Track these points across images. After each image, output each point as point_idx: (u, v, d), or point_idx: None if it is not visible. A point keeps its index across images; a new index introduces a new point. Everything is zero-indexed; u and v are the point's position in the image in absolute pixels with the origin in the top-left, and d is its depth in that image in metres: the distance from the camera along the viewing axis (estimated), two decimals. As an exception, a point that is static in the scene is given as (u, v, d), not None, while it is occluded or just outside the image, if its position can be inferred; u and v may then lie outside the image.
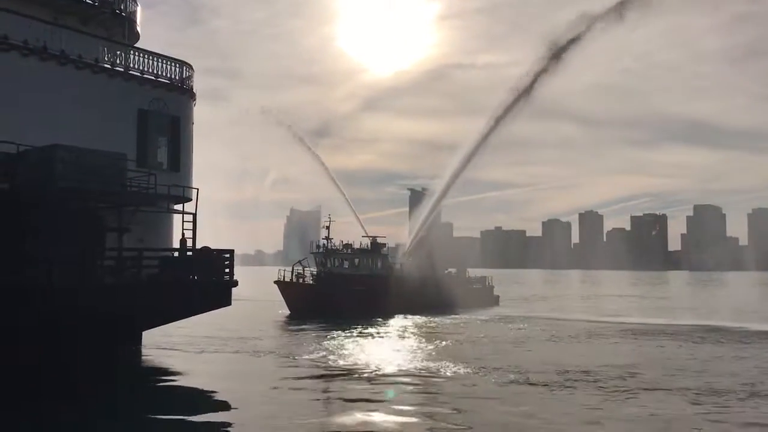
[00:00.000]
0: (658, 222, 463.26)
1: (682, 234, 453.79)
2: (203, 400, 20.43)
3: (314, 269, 57.39)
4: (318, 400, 20.65)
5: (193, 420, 17.96)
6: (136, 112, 26.32)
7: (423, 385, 22.52)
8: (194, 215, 26.18)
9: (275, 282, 56.68)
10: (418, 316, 48.87)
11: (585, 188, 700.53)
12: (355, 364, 26.46)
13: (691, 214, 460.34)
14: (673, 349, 32.82)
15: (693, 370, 26.38)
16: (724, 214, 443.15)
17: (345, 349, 30.62)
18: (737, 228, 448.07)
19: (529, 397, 20.67)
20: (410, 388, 22.08)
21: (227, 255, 26.01)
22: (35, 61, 23.53)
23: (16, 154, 21.40)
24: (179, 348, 29.51)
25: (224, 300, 25.92)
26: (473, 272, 69.90)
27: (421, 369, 25.41)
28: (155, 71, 27.39)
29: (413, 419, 17.76)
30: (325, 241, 58.53)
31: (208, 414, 18.61)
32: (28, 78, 23.31)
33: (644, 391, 21.52)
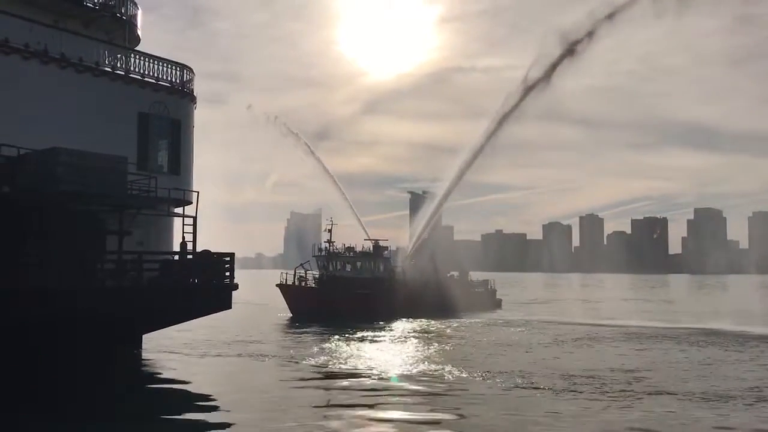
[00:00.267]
0: (659, 225, 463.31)
1: (682, 237, 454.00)
2: (202, 403, 20.37)
3: (317, 272, 57.39)
4: (319, 404, 20.57)
5: (192, 423, 17.94)
6: (136, 115, 26.33)
7: (426, 390, 22.37)
8: (195, 218, 26.18)
9: (277, 285, 56.68)
10: (421, 320, 48.73)
11: (585, 191, 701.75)
12: (358, 368, 26.36)
13: (691, 217, 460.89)
14: (677, 353, 32.65)
15: (698, 374, 26.23)
16: (725, 218, 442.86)
17: (347, 353, 30.52)
18: (738, 231, 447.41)
19: (534, 402, 20.53)
20: (413, 392, 21.98)
21: (227, 258, 25.99)
22: (36, 65, 23.55)
23: (16, 157, 21.39)
24: (180, 351, 29.47)
25: (224, 303, 25.89)
26: (474, 275, 69.81)
27: (424, 373, 25.30)
28: (156, 74, 27.41)
29: (416, 424, 17.71)
30: (327, 245, 58.52)
31: (208, 418, 18.56)
32: (29, 81, 23.33)
33: (649, 395, 21.37)
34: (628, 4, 43.96)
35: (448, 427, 17.62)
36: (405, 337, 38.54)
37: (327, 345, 33.16)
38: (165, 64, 27.89)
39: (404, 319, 48.74)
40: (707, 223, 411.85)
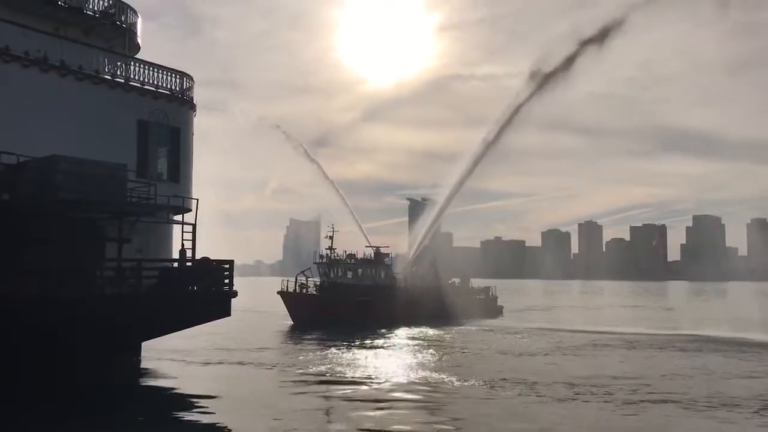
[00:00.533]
0: (658, 232, 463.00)
1: (681, 244, 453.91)
2: (203, 410, 20.34)
3: (318, 279, 57.28)
4: (322, 412, 20.55)
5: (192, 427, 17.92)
6: (136, 122, 26.36)
7: (429, 398, 22.34)
8: (194, 226, 26.18)
9: (278, 292, 56.54)
10: (423, 327, 48.69)
11: (584, 198, 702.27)
12: (360, 375, 26.33)
13: (690, 224, 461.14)
14: (680, 360, 32.65)
15: (702, 381, 26.20)
16: (724, 225, 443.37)
17: (349, 361, 30.48)
18: (736, 238, 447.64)
19: (538, 410, 20.49)
20: (415, 400, 21.92)
21: (227, 265, 25.97)
22: (36, 72, 23.59)
23: (16, 165, 21.40)
24: (181, 359, 29.42)
25: (224, 311, 25.83)
26: (475, 282, 69.77)
27: (426, 380, 25.24)
28: (155, 82, 27.45)
29: None
30: (328, 251, 58.44)
31: (209, 423, 18.54)
32: (29, 89, 23.35)
33: (654, 403, 21.38)
34: None
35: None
36: (407, 345, 38.51)
37: (328, 352, 33.12)
38: (164, 72, 27.93)
39: (406, 326, 48.67)
40: (706, 230, 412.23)
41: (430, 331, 46.49)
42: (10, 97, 22.66)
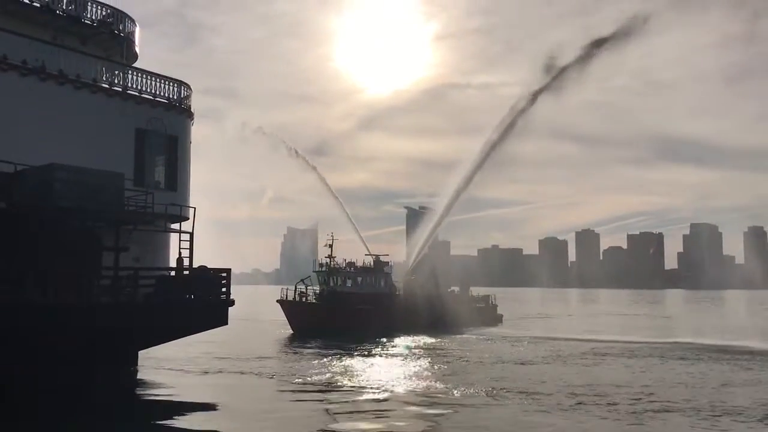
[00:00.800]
0: (655, 240, 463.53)
1: (678, 252, 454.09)
2: (199, 420, 20.24)
3: (317, 288, 57.10)
4: (322, 422, 20.43)
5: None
6: (133, 131, 26.34)
7: (429, 407, 22.13)
8: (191, 234, 26.15)
9: (278, 301, 56.36)
10: (423, 335, 48.52)
11: (581, 207, 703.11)
12: (361, 384, 26.17)
13: (687, 232, 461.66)
14: (681, 369, 32.44)
15: (704, 390, 26.00)
16: (721, 233, 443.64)
17: (349, 370, 30.29)
18: (733, 246, 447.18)
19: (541, 420, 20.34)
20: (416, 410, 21.80)
21: (224, 274, 25.91)
22: (34, 81, 23.59)
23: (14, 173, 21.38)
24: (179, 368, 29.25)
25: (221, 319, 25.76)
26: (474, 291, 69.64)
27: (427, 390, 25.10)
28: (153, 91, 27.46)
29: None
30: (328, 260, 58.26)
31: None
32: (27, 97, 23.35)
33: (657, 412, 21.24)
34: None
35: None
36: (407, 353, 38.35)
37: (328, 361, 32.92)
38: (162, 81, 27.96)
39: (406, 335, 48.50)
40: (703, 238, 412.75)
41: (431, 340, 46.33)
42: (8, 105, 22.65)
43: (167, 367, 29.02)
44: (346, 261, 58.88)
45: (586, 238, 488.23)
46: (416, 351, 39.80)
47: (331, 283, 56.92)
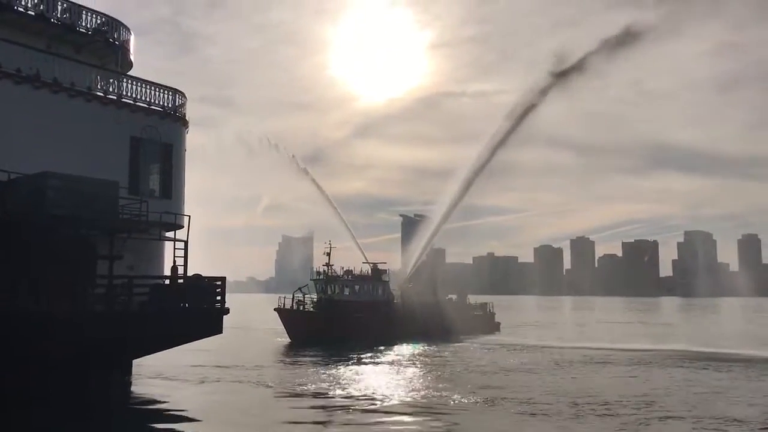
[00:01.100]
0: (650, 248, 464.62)
1: (673, 260, 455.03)
2: (193, 429, 20.12)
3: (315, 296, 56.90)
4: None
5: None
6: (128, 139, 26.26)
7: (428, 416, 22.02)
8: (186, 242, 26.04)
9: (275, 309, 56.13)
10: (421, 343, 48.41)
11: (576, 214, 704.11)
12: (358, 393, 26.06)
13: (681, 240, 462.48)
14: (682, 376, 32.44)
15: (705, 398, 25.94)
16: (715, 240, 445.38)
17: (347, 378, 30.20)
18: (728, 254, 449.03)
19: (540, 428, 20.29)
20: (414, 419, 21.68)
21: (218, 282, 25.81)
22: (28, 89, 23.52)
23: (7, 181, 21.28)
24: (173, 377, 29.09)
25: (216, 328, 25.63)
26: (472, 298, 69.60)
27: (426, 398, 24.97)
28: (148, 99, 27.40)
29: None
30: (325, 268, 58.10)
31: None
32: (21, 105, 23.27)
33: (659, 420, 21.21)
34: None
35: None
36: (405, 362, 38.25)
37: (326, 370, 32.80)
38: (157, 89, 27.91)
39: (404, 343, 48.38)
40: (697, 245, 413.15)
41: (429, 348, 46.24)
42: (1, 113, 22.55)
43: (162, 376, 28.86)
44: (344, 269, 58.78)
45: (581, 245, 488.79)
46: (414, 359, 39.71)
47: (329, 292, 56.74)
